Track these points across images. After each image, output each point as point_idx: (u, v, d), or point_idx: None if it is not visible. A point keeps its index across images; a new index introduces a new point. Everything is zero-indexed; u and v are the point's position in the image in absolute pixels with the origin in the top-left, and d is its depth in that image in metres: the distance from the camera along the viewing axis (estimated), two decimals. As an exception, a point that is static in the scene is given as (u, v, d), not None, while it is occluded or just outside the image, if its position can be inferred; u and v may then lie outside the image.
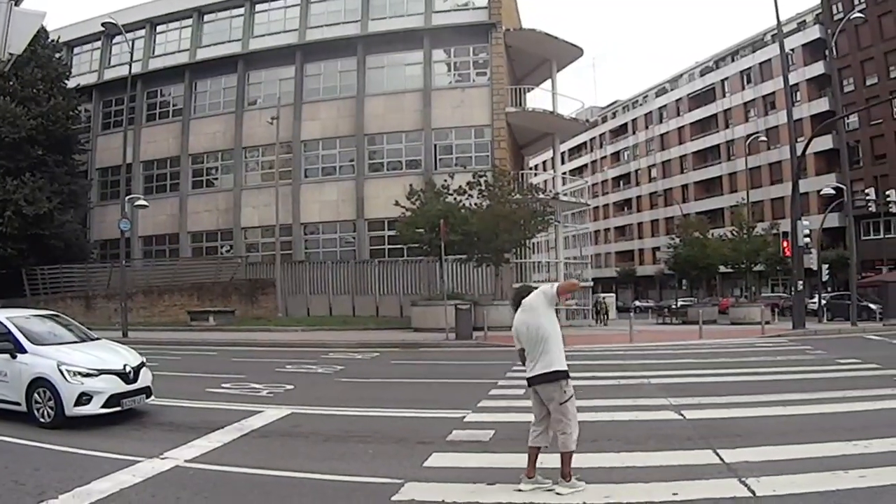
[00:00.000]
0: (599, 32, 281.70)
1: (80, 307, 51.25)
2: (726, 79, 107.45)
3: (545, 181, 68.95)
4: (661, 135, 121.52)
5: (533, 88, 62.95)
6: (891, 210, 59.22)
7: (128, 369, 14.77)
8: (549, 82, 61.35)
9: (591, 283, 63.96)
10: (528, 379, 9.70)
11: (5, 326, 14.96)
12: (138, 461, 11.05)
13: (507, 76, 55.51)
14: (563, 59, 60.63)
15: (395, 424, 14.40)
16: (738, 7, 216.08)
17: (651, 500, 8.72)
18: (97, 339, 16.75)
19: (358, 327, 45.22)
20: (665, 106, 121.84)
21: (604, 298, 65.12)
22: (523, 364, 9.85)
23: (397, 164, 56.15)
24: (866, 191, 66.30)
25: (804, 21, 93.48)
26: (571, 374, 9.53)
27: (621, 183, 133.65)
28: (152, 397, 15.54)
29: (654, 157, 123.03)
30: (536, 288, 10.28)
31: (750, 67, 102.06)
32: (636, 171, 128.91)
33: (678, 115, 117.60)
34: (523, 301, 9.94)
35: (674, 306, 71.37)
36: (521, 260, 52.06)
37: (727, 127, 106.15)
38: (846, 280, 55.95)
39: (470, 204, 42.07)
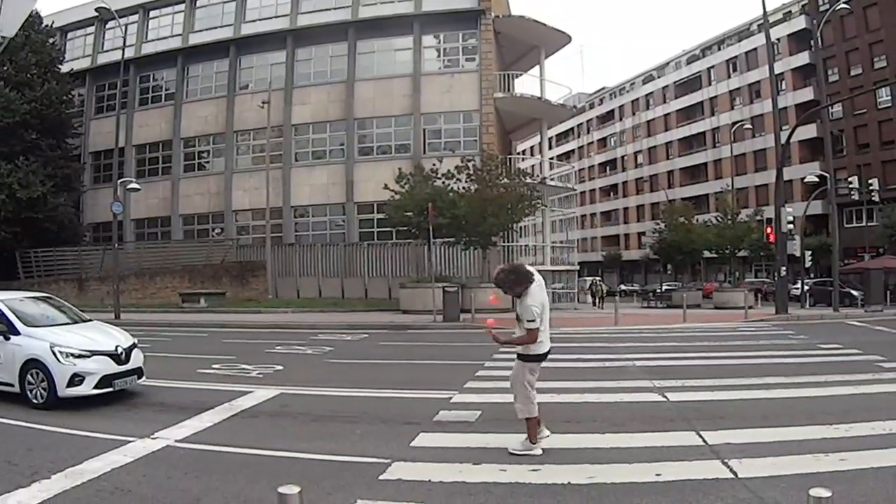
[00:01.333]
0: (587, 20, 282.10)
1: (72, 289, 51.30)
2: (712, 67, 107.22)
3: (533, 166, 69.14)
4: (648, 121, 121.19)
5: (521, 74, 62.95)
6: (873, 198, 59.59)
7: (120, 350, 14.79)
8: (537, 68, 61.34)
9: (578, 267, 64.09)
10: (547, 352, 10.33)
11: (-2, 309, 14.99)
12: (130, 441, 11.07)
13: (496, 62, 55.38)
14: (551, 45, 60.63)
15: (382, 405, 14.40)
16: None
17: (634, 481, 8.75)
18: (89, 320, 16.77)
19: (347, 309, 45.19)
20: (652, 93, 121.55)
21: (599, 281, 65.29)
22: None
23: (387, 149, 56.04)
24: (849, 179, 66.68)
25: (790, 11, 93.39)
26: (558, 356, 9.70)
27: (608, 168, 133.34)
28: (144, 378, 15.56)
29: (640, 143, 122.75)
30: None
31: (736, 56, 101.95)
32: (622, 156, 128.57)
33: (664, 102, 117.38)
34: (539, 279, 10.25)
35: (659, 290, 71.55)
36: (508, 243, 52.03)
37: (713, 114, 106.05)
38: (829, 266, 55.93)
39: (458, 188, 42.00)
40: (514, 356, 10.46)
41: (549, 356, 10.39)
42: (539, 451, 9.96)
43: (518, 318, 10.28)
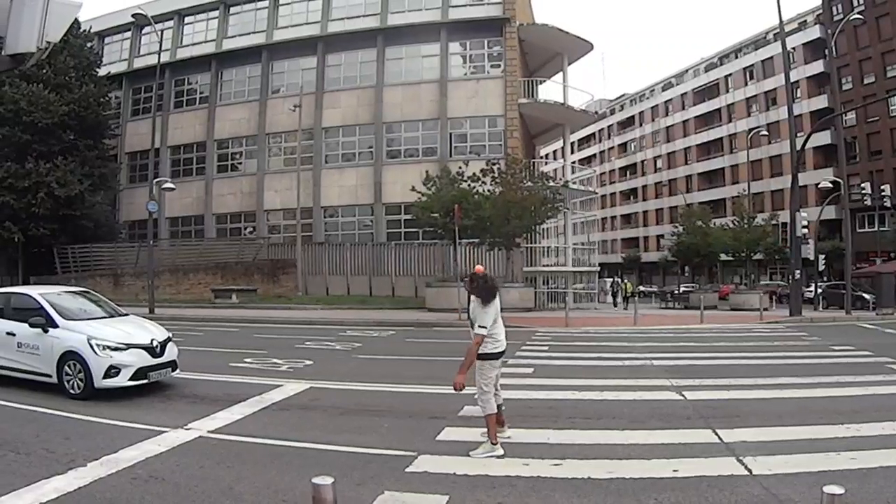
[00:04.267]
0: (609, 28, 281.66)
1: (108, 284, 51.54)
2: (730, 75, 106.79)
3: (555, 170, 68.84)
4: (667, 127, 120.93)
5: (545, 80, 62.72)
6: (885, 204, 59.32)
7: (154, 344, 14.92)
8: (560, 75, 61.20)
9: (598, 268, 63.96)
10: (503, 351, 10.59)
11: (38, 302, 15.15)
12: (164, 431, 11.18)
13: (520, 69, 55.35)
14: (573, 53, 60.45)
15: (409, 399, 14.47)
16: (742, 6, 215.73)
17: (652, 476, 8.78)
18: (126, 314, 16.88)
19: (374, 307, 45.24)
20: (671, 100, 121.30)
21: (623, 280, 64.46)
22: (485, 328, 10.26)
23: (414, 152, 56.13)
24: (862, 185, 66.40)
25: (805, 21, 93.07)
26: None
27: (628, 173, 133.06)
28: (178, 371, 15.69)
29: (659, 148, 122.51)
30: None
31: (752, 64, 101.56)
32: (642, 161, 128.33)
33: (683, 108, 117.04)
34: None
35: (676, 292, 71.14)
36: (531, 245, 52.11)
37: (730, 121, 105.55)
38: (841, 270, 55.55)
39: (483, 190, 41.95)
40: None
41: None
42: (501, 451, 9.91)
43: (471, 320, 10.45)
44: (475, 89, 55.02)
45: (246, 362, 19.47)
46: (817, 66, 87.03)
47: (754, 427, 11.33)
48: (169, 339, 15.63)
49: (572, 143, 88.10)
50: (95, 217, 56.68)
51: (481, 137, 54.62)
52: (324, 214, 57.71)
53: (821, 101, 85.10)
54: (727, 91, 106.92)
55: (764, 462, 9.21)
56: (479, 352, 10.25)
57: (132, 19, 50.83)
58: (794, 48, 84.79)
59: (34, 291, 16.10)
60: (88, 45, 60.09)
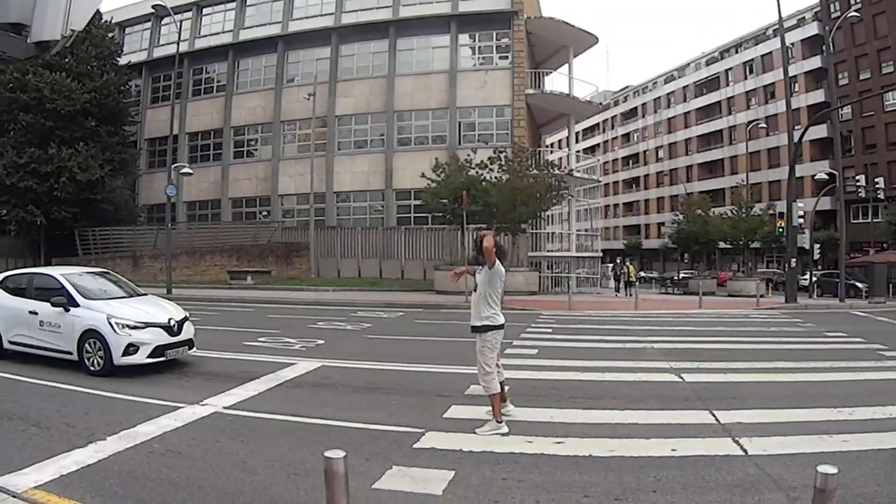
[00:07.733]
0: (613, 21, 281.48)
1: (127, 266, 51.55)
2: (730, 69, 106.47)
3: (560, 158, 68.73)
4: (669, 119, 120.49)
5: (551, 72, 62.69)
6: (879, 196, 58.98)
7: (172, 323, 14.98)
8: (566, 67, 61.14)
9: (601, 254, 63.87)
10: (502, 324, 10.40)
11: (60, 282, 15.25)
12: (180, 407, 11.24)
13: (528, 60, 55.27)
14: (579, 45, 60.30)
15: (417, 378, 14.50)
16: (743, 2, 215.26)
17: (651, 455, 8.79)
18: (144, 294, 16.98)
19: (384, 289, 45.22)
20: (673, 92, 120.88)
21: (626, 263, 63.58)
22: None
23: (424, 140, 56.10)
24: (857, 177, 66.07)
25: (804, 18, 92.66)
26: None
27: (630, 162, 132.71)
28: (194, 349, 15.79)
29: (661, 139, 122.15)
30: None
31: (752, 59, 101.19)
32: (644, 151, 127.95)
33: (685, 100, 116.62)
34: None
35: (676, 278, 71.01)
36: (536, 230, 52.00)
37: (730, 113, 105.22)
38: (836, 259, 55.62)
39: (490, 177, 41.92)
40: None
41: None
42: (505, 429, 9.90)
43: (479, 288, 10.32)
44: (483, 80, 54.86)
45: (260, 341, 19.51)
46: (815, 62, 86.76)
47: (750, 409, 11.35)
48: (186, 319, 15.69)
49: (577, 133, 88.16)
50: (116, 201, 56.91)
51: (489, 126, 54.51)
52: (336, 199, 57.68)
53: (818, 96, 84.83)
54: (727, 84, 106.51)
55: (759, 443, 9.24)
56: (483, 324, 10.21)
57: (152, 10, 51.06)
58: (792, 44, 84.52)
59: (56, 272, 16.18)
60: (109, 35, 59.95)
